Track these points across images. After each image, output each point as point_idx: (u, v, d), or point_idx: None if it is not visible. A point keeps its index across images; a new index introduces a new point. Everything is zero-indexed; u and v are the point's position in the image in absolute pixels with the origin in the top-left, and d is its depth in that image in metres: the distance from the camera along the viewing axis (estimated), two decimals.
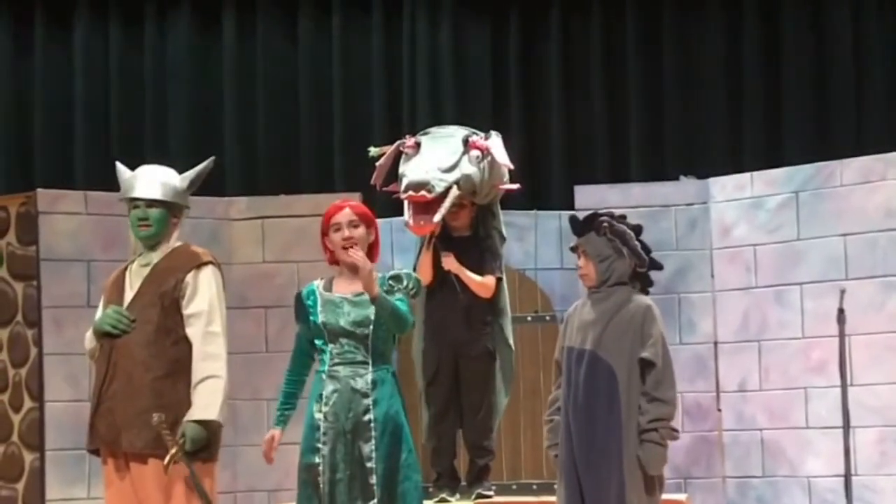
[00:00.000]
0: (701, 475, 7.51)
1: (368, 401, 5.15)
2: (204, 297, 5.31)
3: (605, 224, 5.39)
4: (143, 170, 5.49)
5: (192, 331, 5.28)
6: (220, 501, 5.50)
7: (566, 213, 6.78)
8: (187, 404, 5.21)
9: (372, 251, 5.30)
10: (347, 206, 5.29)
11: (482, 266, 6.36)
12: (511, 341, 6.50)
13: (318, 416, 5.16)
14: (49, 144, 9.17)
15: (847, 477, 6.00)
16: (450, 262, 6.31)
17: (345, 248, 5.21)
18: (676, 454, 6.99)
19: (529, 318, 7.41)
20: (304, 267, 7.43)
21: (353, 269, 5.19)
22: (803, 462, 7.26)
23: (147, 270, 5.37)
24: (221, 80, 9.22)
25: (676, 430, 5.32)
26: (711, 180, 7.69)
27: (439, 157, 6.20)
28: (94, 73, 9.24)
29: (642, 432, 5.22)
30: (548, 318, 7.43)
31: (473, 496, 6.43)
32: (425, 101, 8.98)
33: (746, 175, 7.64)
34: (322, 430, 5.15)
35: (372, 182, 6.47)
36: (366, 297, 5.15)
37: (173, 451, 5.11)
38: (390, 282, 5.24)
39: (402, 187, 6.17)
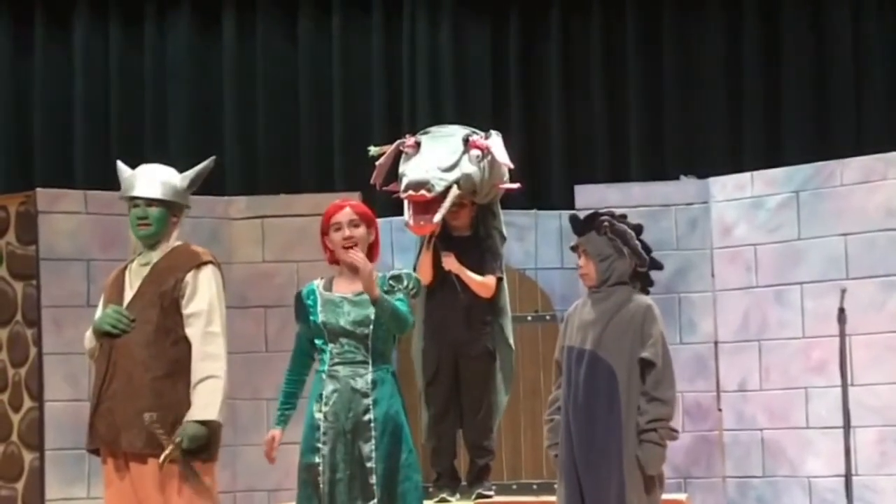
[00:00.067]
0: (701, 475, 7.51)
1: (368, 401, 5.15)
2: (203, 296, 5.31)
3: (606, 223, 5.38)
4: (143, 169, 5.48)
5: (192, 331, 5.27)
6: (220, 501, 5.48)
7: (566, 213, 6.78)
8: (187, 404, 5.21)
9: (372, 251, 5.29)
10: (348, 205, 5.29)
11: (482, 266, 6.36)
12: (511, 341, 6.50)
13: (318, 415, 5.16)
14: (49, 144, 9.18)
15: (847, 477, 6.00)
16: (450, 262, 6.31)
17: (345, 248, 5.21)
18: (676, 454, 6.99)
19: (529, 318, 7.41)
20: (303, 266, 7.43)
21: (354, 269, 5.19)
22: (803, 462, 7.25)
23: (147, 270, 5.36)
24: (221, 80, 9.23)
25: (676, 430, 5.32)
26: (711, 180, 7.69)
27: (439, 156, 6.20)
28: (93, 73, 9.24)
29: (641, 432, 5.22)
30: (548, 317, 7.43)
31: (474, 496, 6.42)
32: (425, 101, 8.99)
33: (747, 175, 7.64)
34: (322, 429, 5.15)
35: (372, 181, 6.47)
36: (366, 296, 5.15)
37: (168, 450, 5.11)
38: (390, 282, 5.24)
39: (402, 187, 6.17)
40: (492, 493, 6.50)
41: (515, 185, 6.57)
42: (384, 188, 6.47)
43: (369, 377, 5.17)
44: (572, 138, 9.00)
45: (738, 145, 8.81)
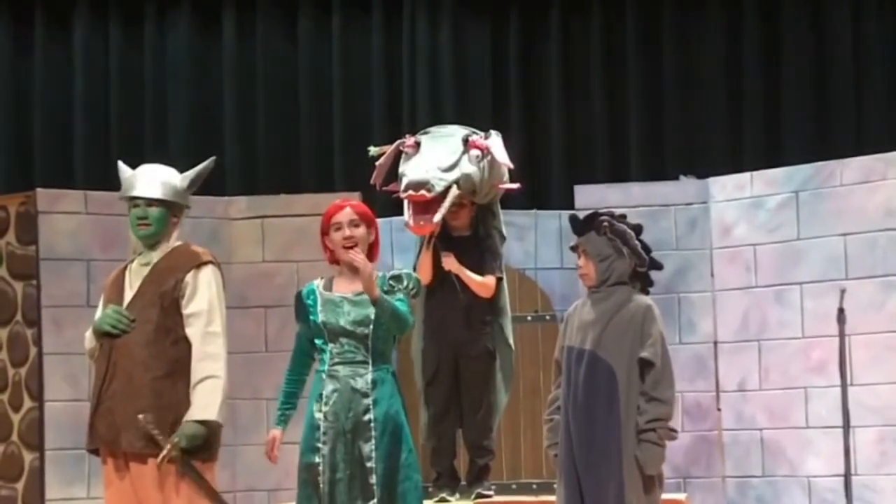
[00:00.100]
0: (701, 475, 7.51)
1: (368, 400, 5.15)
2: (203, 296, 5.31)
3: (606, 223, 5.38)
4: (143, 169, 5.48)
5: (192, 331, 5.27)
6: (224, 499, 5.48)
7: (566, 213, 6.77)
8: (187, 404, 5.21)
9: (372, 251, 5.30)
10: (348, 205, 5.29)
11: (482, 266, 6.36)
12: (511, 341, 6.50)
13: (318, 415, 5.16)
14: (49, 144, 9.18)
15: (847, 477, 6.00)
16: (450, 263, 6.31)
17: (345, 248, 5.21)
18: (676, 454, 6.99)
19: (529, 318, 7.41)
20: (303, 266, 7.43)
21: (354, 269, 5.19)
22: (803, 462, 7.26)
23: (147, 270, 5.36)
24: (221, 80, 9.23)
25: (675, 430, 5.31)
26: (711, 180, 7.69)
27: (439, 156, 6.20)
28: (93, 73, 9.25)
29: (640, 432, 5.22)
30: (548, 317, 7.43)
31: (473, 496, 6.42)
32: (425, 101, 8.99)
33: (746, 175, 7.64)
34: (322, 429, 5.15)
35: (372, 181, 6.47)
36: (366, 296, 5.15)
37: (166, 449, 5.11)
38: (390, 282, 5.24)
39: (402, 187, 6.17)
40: (491, 492, 6.50)
41: (515, 185, 6.57)
42: (384, 188, 6.47)
43: (369, 377, 5.17)
44: (572, 138, 9.00)
45: (738, 145, 8.81)
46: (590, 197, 7.50)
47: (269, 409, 7.25)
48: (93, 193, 7.45)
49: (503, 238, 6.56)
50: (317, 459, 5.14)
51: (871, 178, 7.17)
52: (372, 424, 5.13)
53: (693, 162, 8.53)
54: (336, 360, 5.19)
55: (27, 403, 7.19)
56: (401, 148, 6.37)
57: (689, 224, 7.62)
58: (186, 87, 9.21)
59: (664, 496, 5.42)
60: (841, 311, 6.00)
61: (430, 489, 6.34)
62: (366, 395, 5.15)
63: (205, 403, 5.19)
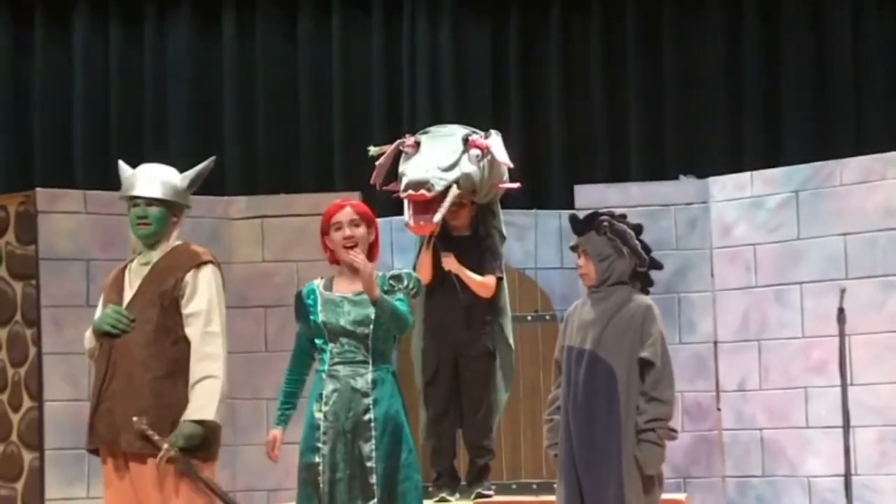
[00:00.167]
0: (701, 475, 7.51)
1: (368, 400, 5.15)
2: (203, 296, 5.31)
3: (606, 223, 5.38)
4: (143, 168, 5.48)
5: (191, 330, 5.27)
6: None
7: (566, 213, 6.77)
8: (187, 404, 5.21)
9: (372, 250, 5.30)
10: (348, 205, 5.29)
11: (482, 266, 6.36)
12: (511, 341, 6.50)
13: (318, 415, 5.16)
14: (48, 144, 9.18)
15: (847, 476, 6.00)
16: (450, 263, 6.31)
17: (346, 248, 5.21)
18: (676, 454, 6.99)
19: (529, 318, 7.41)
20: (303, 266, 7.43)
21: (354, 269, 5.19)
22: (803, 462, 7.25)
23: (147, 269, 5.36)
24: (221, 80, 9.23)
25: (675, 430, 5.31)
26: (711, 180, 7.69)
27: (439, 155, 6.20)
28: (93, 73, 9.25)
29: (640, 432, 5.22)
30: (548, 317, 7.43)
31: (473, 495, 6.42)
32: (425, 100, 8.99)
33: (746, 174, 7.63)
34: (322, 429, 5.15)
35: (371, 181, 6.47)
36: (366, 296, 5.15)
37: (164, 450, 5.11)
38: (391, 281, 5.24)
39: (402, 186, 6.17)
40: (491, 492, 6.50)
41: (515, 185, 6.57)
42: (384, 188, 6.47)
43: (369, 377, 5.17)
44: (572, 138, 9.00)
45: (738, 145, 8.81)
46: (590, 197, 7.50)
47: (269, 409, 7.25)
48: (92, 193, 7.45)
49: (503, 238, 6.56)
50: (317, 459, 5.14)
51: (870, 177, 7.17)
52: (372, 424, 5.13)
53: (693, 162, 8.54)
54: (336, 359, 5.19)
55: (27, 403, 7.19)
56: (401, 148, 6.37)
57: (689, 224, 7.62)
58: (186, 87, 9.22)
59: (664, 496, 5.42)
60: (841, 310, 6.00)
61: (430, 489, 6.34)
62: (366, 395, 5.15)
63: (203, 403, 5.19)
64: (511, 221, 7.16)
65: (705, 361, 7.55)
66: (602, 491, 5.23)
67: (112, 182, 5.66)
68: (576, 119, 9.04)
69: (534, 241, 7.78)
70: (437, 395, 6.43)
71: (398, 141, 6.40)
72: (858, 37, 8.77)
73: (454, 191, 6.17)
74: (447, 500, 6.37)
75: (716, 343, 7.56)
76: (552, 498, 5.66)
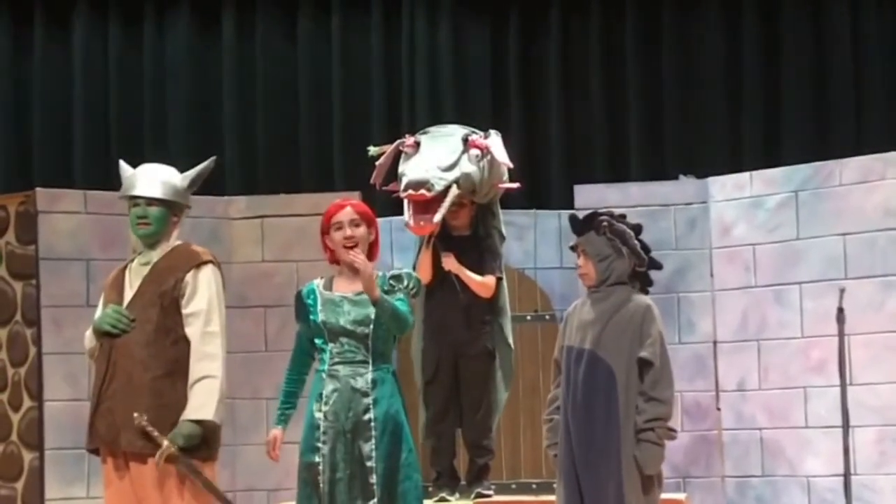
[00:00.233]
0: (700, 474, 7.51)
1: (368, 400, 5.15)
2: (203, 296, 5.31)
3: (605, 223, 5.38)
4: (144, 168, 5.49)
5: (191, 330, 5.28)
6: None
7: (566, 213, 6.78)
8: (186, 404, 5.21)
9: (372, 250, 5.30)
10: (349, 204, 5.30)
11: (482, 266, 6.36)
12: (510, 340, 6.50)
13: (318, 415, 5.16)
14: (48, 144, 9.18)
15: (846, 476, 5.99)
16: (450, 263, 6.31)
17: (346, 248, 5.21)
18: (675, 453, 6.99)
19: (529, 318, 7.41)
20: (303, 266, 7.43)
21: (354, 269, 5.19)
22: (802, 461, 7.25)
23: (147, 269, 5.37)
24: (221, 80, 9.23)
25: (674, 430, 5.31)
26: (711, 180, 7.69)
27: (439, 155, 6.20)
28: (93, 73, 9.25)
29: (639, 432, 5.22)
30: (547, 317, 7.44)
31: (473, 495, 6.43)
32: (425, 100, 8.99)
33: (746, 174, 7.63)
34: (322, 429, 5.15)
35: (371, 181, 6.48)
36: (366, 296, 5.16)
37: (163, 448, 5.11)
38: (391, 281, 5.25)
39: (402, 186, 6.17)
40: (491, 492, 6.50)
41: (515, 185, 6.58)
42: (384, 188, 6.48)
43: (369, 376, 5.17)
44: (572, 138, 9.00)
45: (738, 145, 8.81)
46: (589, 197, 7.50)
47: (268, 409, 7.25)
48: (92, 193, 7.44)
49: (503, 238, 6.56)
50: (317, 459, 5.14)
51: (869, 177, 7.17)
52: (372, 424, 5.13)
53: (692, 162, 8.54)
54: (336, 359, 5.19)
55: (27, 403, 7.19)
56: (400, 147, 6.37)
57: (689, 224, 7.62)
58: (186, 87, 9.22)
59: (663, 496, 5.42)
60: (840, 310, 6.00)
61: (430, 489, 6.35)
62: (366, 395, 5.15)
63: (201, 403, 5.19)
64: (511, 221, 7.16)
65: (705, 361, 7.55)
66: (601, 491, 5.23)
67: (112, 182, 5.66)
68: (575, 119, 9.04)
69: (533, 240, 7.78)
70: (436, 394, 6.43)
71: (398, 141, 6.41)
72: (858, 37, 8.77)
73: (454, 191, 6.17)
74: (447, 500, 6.37)
75: (715, 343, 7.56)
76: (552, 498, 5.66)
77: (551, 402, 5.48)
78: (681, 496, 6.75)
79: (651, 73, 8.96)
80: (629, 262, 5.38)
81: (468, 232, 6.46)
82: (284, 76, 9.22)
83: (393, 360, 5.33)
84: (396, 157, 6.38)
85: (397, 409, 5.19)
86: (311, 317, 5.24)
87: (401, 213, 6.27)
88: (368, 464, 5.11)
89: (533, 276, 7.70)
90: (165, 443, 5.12)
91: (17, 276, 7.27)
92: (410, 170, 6.18)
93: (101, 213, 7.28)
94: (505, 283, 6.53)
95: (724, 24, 8.92)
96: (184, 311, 5.30)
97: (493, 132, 6.42)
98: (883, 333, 7.04)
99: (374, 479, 5.10)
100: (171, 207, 5.42)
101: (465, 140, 6.29)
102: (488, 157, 6.30)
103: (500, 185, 6.47)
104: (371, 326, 5.17)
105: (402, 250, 7.38)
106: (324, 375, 5.20)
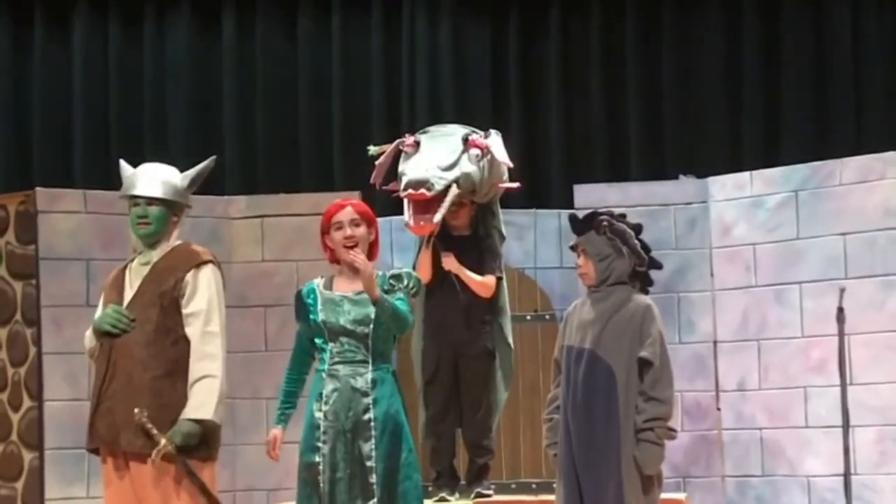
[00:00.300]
0: (700, 474, 7.51)
1: (368, 400, 5.15)
2: (203, 296, 5.31)
3: (605, 223, 5.38)
4: (144, 168, 5.49)
5: (191, 330, 5.28)
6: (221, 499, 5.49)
7: (566, 212, 6.78)
8: (186, 404, 5.21)
9: (372, 250, 5.30)
10: (349, 204, 5.30)
11: (482, 265, 6.36)
12: (510, 340, 6.50)
13: (318, 415, 5.16)
14: (48, 143, 9.18)
15: (846, 476, 5.99)
16: (450, 263, 6.31)
17: (346, 248, 5.21)
18: (676, 453, 6.99)
19: (529, 317, 7.41)
20: (303, 266, 7.43)
21: (354, 269, 5.19)
22: (803, 461, 7.25)
23: (147, 269, 5.37)
24: (221, 80, 9.23)
25: (674, 430, 5.31)
26: (711, 179, 7.69)
27: (439, 155, 6.20)
28: (93, 73, 9.25)
29: (639, 431, 5.22)
30: (547, 316, 7.44)
31: (473, 495, 6.43)
32: (425, 100, 8.99)
33: (746, 174, 7.63)
34: (322, 429, 5.15)
35: (371, 181, 6.48)
36: (366, 295, 5.16)
37: (161, 445, 5.12)
38: (391, 281, 5.25)
39: (402, 186, 6.17)
40: (491, 492, 6.50)
41: (515, 185, 6.58)
42: (384, 187, 6.48)
43: (369, 376, 5.17)
44: (571, 138, 9.00)
45: (738, 145, 8.81)
46: (589, 196, 7.50)
47: (268, 409, 7.25)
48: (92, 193, 7.44)
49: (503, 237, 6.56)
50: (317, 459, 5.14)
51: (869, 177, 7.17)
52: (372, 424, 5.13)
53: (692, 161, 8.54)
54: (336, 359, 5.20)
55: (26, 403, 7.19)
56: (400, 147, 6.37)
57: (689, 223, 7.62)
58: (186, 87, 9.22)
59: (663, 496, 5.43)
60: (840, 310, 6.00)
61: (430, 488, 6.34)
62: (366, 395, 5.15)
63: (201, 402, 5.19)
64: (510, 221, 7.16)
65: (705, 361, 7.55)
66: (601, 490, 5.23)
67: (112, 182, 5.66)
68: (575, 119, 9.04)
69: (533, 240, 7.78)
70: (436, 394, 6.43)
71: (398, 140, 6.41)
72: (858, 37, 8.77)
73: (454, 190, 6.17)
74: (447, 500, 6.37)
75: (715, 343, 7.56)
76: (551, 497, 5.67)
77: (551, 402, 5.48)
78: (681, 496, 6.75)
79: (651, 73, 8.96)
80: (629, 262, 5.38)
81: (468, 232, 6.46)
82: (284, 76, 9.22)
83: (393, 359, 5.33)
84: (396, 157, 6.39)
85: (397, 408, 5.19)
86: (311, 316, 5.24)
87: (401, 212, 6.27)
88: (368, 463, 5.11)
89: (533, 275, 7.69)
90: (163, 441, 5.12)
91: (17, 276, 7.27)
92: (410, 169, 6.18)
93: (101, 213, 7.28)
94: (505, 282, 6.52)
95: (724, 24, 8.92)
96: (184, 311, 5.30)
97: (493, 132, 6.42)
98: (883, 333, 7.04)
99: (374, 478, 5.10)
100: (172, 207, 5.42)
101: (465, 140, 6.29)
102: (488, 156, 6.30)
103: (500, 185, 6.47)
104: (371, 326, 5.17)
105: (402, 250, 7.38)
106: (324, 375, 5.20)
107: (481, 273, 6.34)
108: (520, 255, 7.71)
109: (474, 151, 6.27)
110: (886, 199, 7.09)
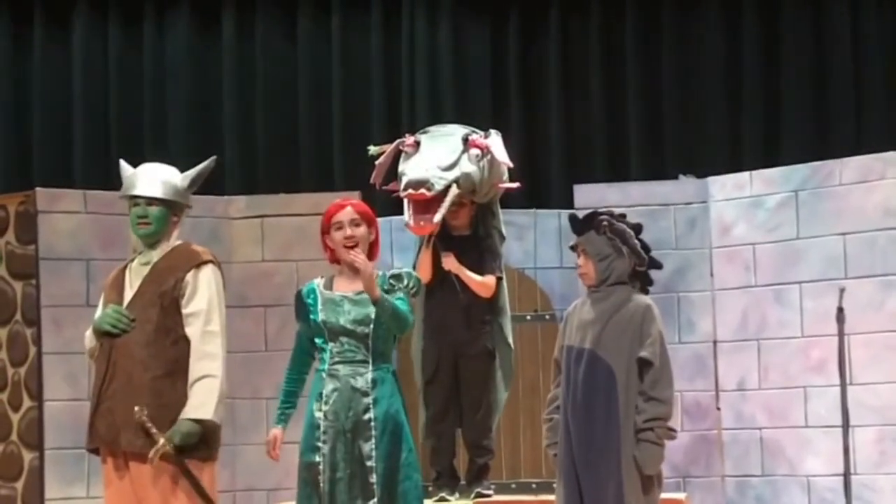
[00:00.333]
0: (700, 474, 7.51)
1: (368, 400, 5.15)
2: (203, 296, 5.31)
3: (605, 223, 5.38)
4: (144, 168, 5.49)
5: (191, 330, 5.28)
6: (220, 500, 5.49)
7: (566, 212, 6.78)
8: (186, 404, 5.22)
9: (372, 250, 5.30)
10: (349, 204, 5.30)
11: (482, 265, 6.36)
12: (510, 340, 6.50)
13: (318, 414, 5.16)
14: (48, 143, 9.19)
15: (846, 476, 5.99)
16: (450, 263, 6.31)
17: (346, 248, 5.21)
18: (675, 453, 6.99)
19: (529, 317, 7.41)
20: (303, 266, 7.43)
21: (354, 269, 5.19)
22: (802, 461, 7.25)
23: (147, 269, 5.37)
24: (221, 80, 9.23)
25: (673, 430, 5.31)
26: (711, 179, 7.69)
27: (439, 155, 6.20)
28: (93, 73, 9.25)
29: (639, 431, 5.22)
30: (547, 316, 7.44)
31: (473, 495, 6.43)
32: (425, 100, 8.99)
33: (745, 174, 7.63)
34: (322, 428, 5.15)
35: (371, 181, 6.48)
36: (366, 295, 5.16)
37: (159, 444, 5.12)
38: (391, 280, 5.25)
39: (402, 185, 6.17)
40: (491, 492, 6.50)
41: (515, 185, 6.58)
42: (384, 187, 6.48)
43: (369, 376, 5.17)
44: (571, 138, 9.01)
45: (738, 145, 8.81)
46: (589, 196, 7.50)
47: (268, 409, 7.25)
48: (92, 193, 7.44)
49: (503, 237, 6.56)
50: (317, 459, 5.14)
51: (869, 177, 7.17)
52: (372, 424, 5.13)
53: (692, 161, 8.54)
54: (336, 359, 5.20)
55: (26, 403, 7.19)
56: (400, 147, 6.37)
57: (689, 223, 7.62)
58: (186, 87, 9.22)
59: (663, 495, 5.43)
60: (840, 310, 6.00)
61: (430, 488, 6.34)
62: (366, 395, 5.15)
63: (200, 402, 5.19)
64: (510, 221, 7.16)
65: (705, 361, 7.55)
66: (601, 490, 5.23)
67: (112, 182, 5.66)
68: (575, 119, 9.04)
69: (533, 240, 7.78)
70: (436, 394, 6.43)
71: (398, 140, 6.41)
72: (858, 37, 8.77)
73: (454, 190, 6.17)
74: (447, 500, 6.37)
75: (715, 342, 7.56)
76: (551, 497, 5.67)
77: (551, 402, 5.48)
78: (681, 496, 6.75)
79: (651, 73, 8.96)
80: (629, 262, 5.38)
81: (468, 232, 6.46)
82: (284, 76, 9.22)
83: (393, 359, 5.33)
84: (396, 157, 6.39)
85: (397, 408, 5.19)
86: (312, 316, 5.24)
87: (401, 212, 6.27)
88: (368, 463, 5.11)
89: (533, 275, 7.69)
90: (161, 440, 5.12)
91: (17, 276, 7.27)
92: (410, 169, 6.18)
93: (101, 213, 7.28)
94: (505, 282, 6.52)
95: (724, 24, 8.92)
96: (184, 311, 5.30)
97: (493, 132, 6.42)
98: (883, 333, 7.04)
99: (374, 478, 5.10)
100: (172, 207, 5.42)
101: (466, 139, 6.29)
102: (488, 156, 6.30)
103: (500, 185, 6.47)
104: (371, 326, 5.17)
105: (402, 250, 7.38)
106: (324, 375, 5.20)
107: (481, 273, 6.34)
108: (520, 255, 7.71)
109: (474, 151, 6.27)
110: (886, 199, 7.09)
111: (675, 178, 7.84)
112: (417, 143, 6.33)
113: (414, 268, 6.13)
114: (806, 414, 7.25)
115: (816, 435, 7.18)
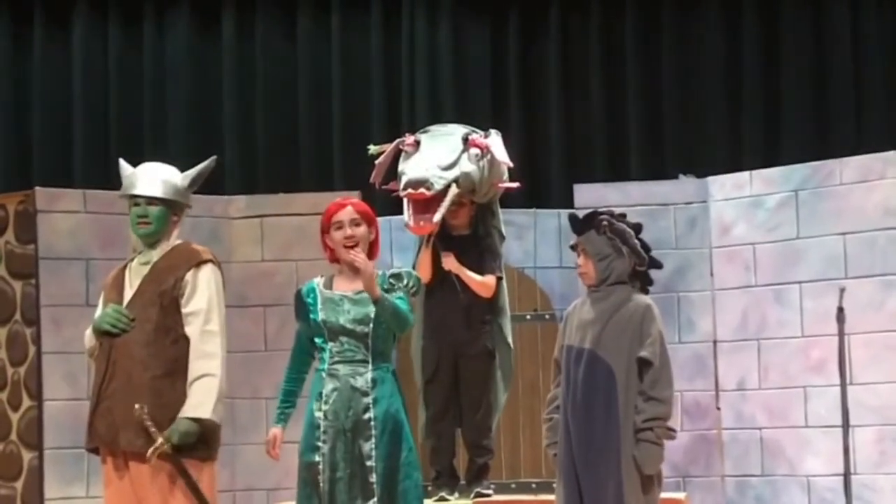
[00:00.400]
0: (700, 474, 7.51)
1: (368, 399, 5.15)
2: (203, 295, 5.31)
3: (605, 222, 5.38)
4: (144, 167, 5.49)
5: (191, 329, 5.28)
6: (220, 500, 5.49)
7: (565, 212, 6.77)
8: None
9: (372, 249, 5.30)
10: (349, 204, 5.30)
11: (482, 265, 6.36)
12: (510, 340, 6.50)
13: (318, 414, 5.16)
14: (48, 143, 9.19)
15: (846, 476, 5.99)
16: (450, 262, 6.31)
17: (346, 247, 5.21)
18: (675, 453, 6.99)
19: (528, 317, 7.41)
20: (303, 265, 7.43)
21: (354, 268, 5.19)
22: (802, 461, 7.25)
23: (147, 269, 5.37)
24: (221, 80, 9.23)
25: (673, 430, 5.31)
26: (710, 179, 7.69)
27: (439, 154, 6.20)
28: (92, 73, 9.25)
29: (638, 431, 5.22)
30: (547, 316, 7.43)
31: (472, 495, 6.42)
32: (425, 100, 9.00)
33: (745, 174, 7.63)
34: (322, 428, 5.15)
35: (371, 180, 6.48)
36: (366, 294, 5.16)
37: (158, 442, 5.12)
38: (391, 280, 5.25)
39: (402, 185, 6.17)
40: (490, 491, 6.50)
41: (515, 184, 6.58)
42: (383, 187, 6.48)
43: (369, 376, 5.17)
44: (571, 138, 9.01)
45: (738, 144, 8.82)
46: (589, 196, 7.50)
47: (268, 409, 7.24)
48: (92, 192, 7.44)
49: (502, 237, 6.56)
50: (317, 458, 5.14)
51: (869, 177, 7.17)
52: (372, 423, 5.13)
53: (692, 161, 8.54)
54: (336, 358, 5.19)
55: (26, 402, 7.19)
56: (400, 146, 6.37)
57: (689, 223, 7.62)
58: (186, 87, 9.22)
59: (663, 495, 5.42)
60: (840, 310, 6.00)
61: (430, 488, 6.34)
62: (366, 394, 5.15)
63: (199, 401, 5.19)
64: (510, 221, 7.16)
65: (704, 361, 7.55)
66: (601, 490, 5.23)
67: (112, 181, 5.66)
68: (575, 119, 9.05)
69: (533, 240, 7.78)
70: (436, 394, 6.43)
71: (398, 140, 6.41)
72: (858, 37, 8.78)
73: (454, 190, 6.17)
74: (446, 499, 6.37)
75: (715, 342, 7.56)
76: (551, 497, 5.66)
77: (551, 402, 5.47)
78: (680, 496, 6.75)
79: (651, 73, 8.97)
80: (629, 262, 5.37)
81: (468, 231, 6.46)
82: (284, 76, 9.23)
83: (393, 359, 5.33)
84: (396, 156, 6.39)
85: (397, 408, 5.19)
86: (311, 316, 5.24)
87: (401, 212, 6.27)
88: (368, 463, 5.11)
89: (533, 275, 7.69)
90: (160, 439, 5.12)
91: (17, 276, 7.27)
92: (410, 169, 6.18)
93: (101, 213, 7.28)
94: (505, 282, 6.52)
95: (724, 24, 8.92)
96: (183, 310, 5.30)
97: (493, 131, 6.42)
98: (883, 333, 7.04)
99: (374, 478, 5.10)
100: (172, 207, 5.42)
101: (465, 139, 6.29)
102: (488, 156, 6.30)
103: (500, 185, 6.47)
104: (371, 325, 5.17)
105: (402, 250, 7.38)
106: (323, 374, 5.20)
107: (481, 273, 6.34)
108: (520, 254, 7.71)
109: (474, 151, 6.27)
110: (886, 199, 7.09)
111: (675, 177, 7.84)
112: (417, 143, 6.33)
113: (414, 267, 6.13)
114: (806, 414, 7.25)
115: (816, 435, 7.18)
